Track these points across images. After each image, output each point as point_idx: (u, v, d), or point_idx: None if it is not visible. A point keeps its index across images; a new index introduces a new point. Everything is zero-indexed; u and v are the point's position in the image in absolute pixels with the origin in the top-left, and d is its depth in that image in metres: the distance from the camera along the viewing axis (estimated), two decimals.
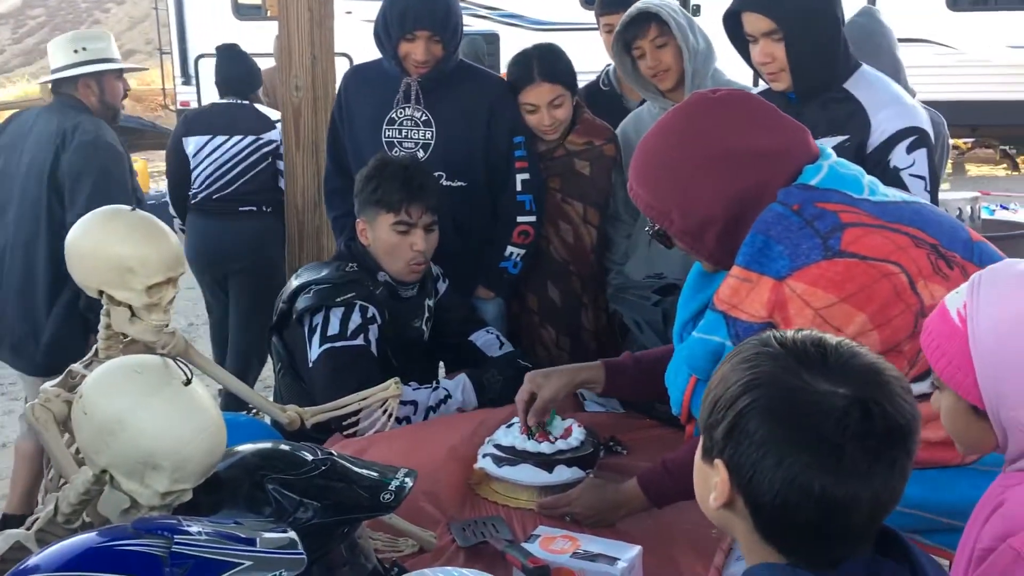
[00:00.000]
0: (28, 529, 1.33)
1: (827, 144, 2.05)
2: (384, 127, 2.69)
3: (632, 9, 2.62)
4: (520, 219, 2.72)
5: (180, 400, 1.27)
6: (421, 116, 2.68)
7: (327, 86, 3.24)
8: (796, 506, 0.88)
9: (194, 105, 9.67)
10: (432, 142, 2.68)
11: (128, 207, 1.68)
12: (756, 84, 4.54)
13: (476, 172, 2.70)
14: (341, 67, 3.24)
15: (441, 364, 2.75)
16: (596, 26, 3.22)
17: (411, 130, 2.68)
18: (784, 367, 0.91)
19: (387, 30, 2.61)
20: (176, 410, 1.26)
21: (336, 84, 3.14)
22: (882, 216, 1.48)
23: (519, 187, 2.71)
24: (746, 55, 2.23)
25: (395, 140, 2.69)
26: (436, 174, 2.60)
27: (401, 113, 2.68)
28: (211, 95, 9.55)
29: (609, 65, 3.18)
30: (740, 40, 2.22)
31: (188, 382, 1.29)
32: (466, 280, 2.75)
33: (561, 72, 2.70)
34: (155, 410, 1.25)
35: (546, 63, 2.68)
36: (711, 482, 0.95)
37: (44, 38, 27.76)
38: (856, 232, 1.44)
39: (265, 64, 7.85)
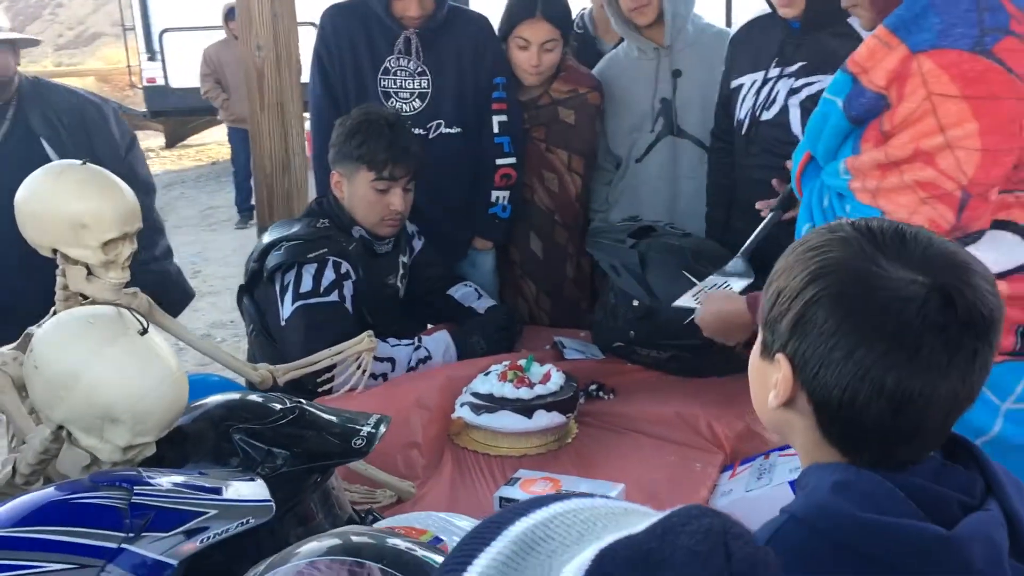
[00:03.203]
0: None
1: (823, 82, 1.98)
2: (379, 76, 2.63)
3: None
4: (499, 161, 2.68)
5: (136, 350, 1.22)
6: (416, 68, 2.62)
7: (289, 44, 3.14)
8: (866, 401, 0.81)
9: (160, 82, 9.51)
10: (429, 91, 2.63)
11: (78, 161, 1.61)
12: (729, 24, 4.48)
13: (470, 117, 2.66)
14: (308, 36, 3.15)
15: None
16: None
17: (406, 80, 2.63)
18: (857, 252, 0.84)
19: None
20: (133, 360, 1.21)
21: (298, 44, 3.06)
22: None
23: (496, 129, 2.66)
24: None
25: (391, 90, 2.63)
26: (435, 122, 2.61)
27: (395, 63, 2.62)
28: (178, 71, 9.43)
29: (584, 9, 3.12)
30: None
31: (144, 331, 1.24)
32: (467, 230, 2.75)
33: (562, 16, 2.65)
34: (110, 361, 1.19)
35: (550, 3, 2.62)
36: (771, 380, 0.89)
37: (8, 22, 27.24)
38: (1017, 44, 1.31)
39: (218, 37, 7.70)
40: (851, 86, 1.41)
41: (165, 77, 9.45)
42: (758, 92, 2.22)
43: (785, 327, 0.86)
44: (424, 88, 2.63)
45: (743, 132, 2.26)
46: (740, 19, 2.58)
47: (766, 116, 2.19)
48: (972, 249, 1.31)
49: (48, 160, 2.47)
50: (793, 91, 2.14)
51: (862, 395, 0.81)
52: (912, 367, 0.80)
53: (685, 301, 1.93)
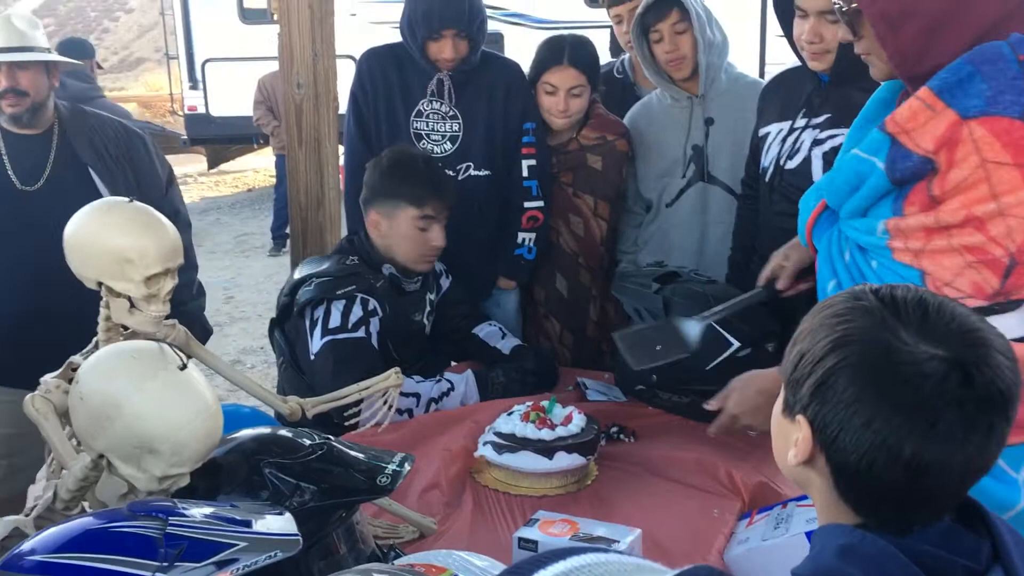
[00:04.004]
0: (27, 515, 1.34)
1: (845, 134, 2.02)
2: (412, 119, 2.72)
3: None
4: (527, 204, 2.74)
5: (176, 384, 1.28)
6: (448, 111, 2.70)
7: (328, 83, 3.24)
8: (883, 468, 0.85)
9: (201, 110, 9.73)
10: (460, 134, 2.71)
11: (125, 198, 1.68)
12: (762, 75, 4.55)
13: (499, 160, 2.74)
14: (346, 70, 3.25)
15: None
16: (599, 24, 3.24)
17: (437, 123, 2.72)
18: (880, 323, 0.87)
19: (412, 30, 2.63)
20: (172, 394, 1.27)
21: (337, 82, 3.16)
22: None
23: (525, 172, 2.73)
24: (787, 27, 2.19)
25: (423, 132, 2.72)
26: (464, 164, 2.69)
27: (427, 106, 2.71)
28: (218, 99, 9.66)
29: (623, 55, 3.20)
30: (784, 12, 2.18)
31: (184, 367, 1.29)
32: (491, 269, 2.81)
33: (588, 63, 2.72)
34: (151, 394, 1.25)
35: (577, 50, 2.71)
36: (791, 438, 0.92)
37: (54, 47, 27.98)
38: None
39: (272, 67, 7.88)
40: (890, 147, 1.42)
41: (206, 105, 9.66)
42: (783, 141, 2.26)
43: (806, 390, 0.90)
44: (455, 131, 2.70)
45: (767, 179, 2.30)
46: (773, 71, 2.64)
47: (790, 165, 2.23)
48: (1009, 315, 1.33)
49: (97, 191, 2.55)
50: (817, 142, 2.19)
51: (879, 462, 0.85)
52: (929, 439, 0.83)
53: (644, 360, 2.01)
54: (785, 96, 2.32)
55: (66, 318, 2.42)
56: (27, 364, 2.42)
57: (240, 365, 5.41)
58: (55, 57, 2.64)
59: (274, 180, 8.70)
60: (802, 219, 1.65)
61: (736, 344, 2.07)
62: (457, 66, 2.66)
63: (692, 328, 2.00)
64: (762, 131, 2.36)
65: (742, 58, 2.90)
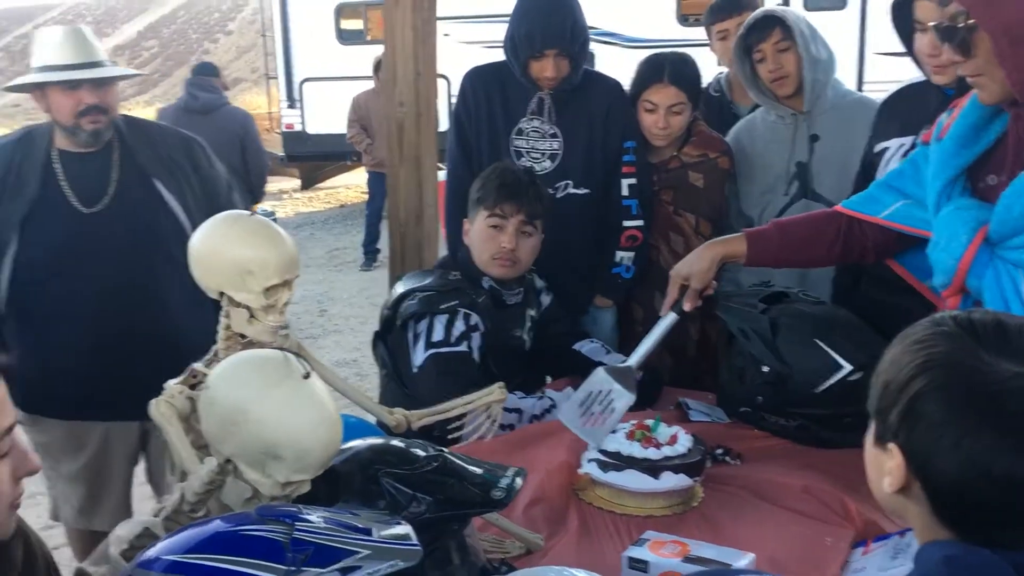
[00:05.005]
0: (156, 516, 1.39)
1: None
2: (513, 137, 2.75)
3: (757, 12, 2.64)
4: (627, 223, 2.74)
5: (300, 393, 1.31)
6: (549, 129, 2.72)
7: (430, 101, 3.31)
8: (977, 488, 0.87)
9: (298, 128, 10.03)
10: (560, 152, 2.74)
11: (247, 212, 1.74)
12: (860, 87, 4.45)
13: (599, 178, 2.75)
14: (439, 88, 3.31)
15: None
16: (691, 43, 3.24)
17: (537, 141, 2.75)
18: (961, 347, 0.89)
19: (515, 50, 2.67)
20: (297, 402, 1.30)
21: (437, 101, 3.22)
22: None
23: (625, 191, 2.73)
24: (908, 43, 2.15)
25: (523, 150, 2.76)
26: (564, 182, 2.71)
27: (528, 124, 2.74)
28: (315, 118, 9.93)
29: (721, 73, 3.17)
30: (903, 27, 2.14)
31: (307, 376, 1.33)
32: (588, 287, 2.83)
33: (688, 81, 2.72)
34: (277, 401, 1.29)
35: (677, 68, 2.71)
36: (885, 467, 0.94)
37: (158, 68, 29.19)
38: None
39: (366, 87, 8.09)
40: None
41: (303, 124, 9.95)
42: (905, 155, 2.19)
43: (895, 418, 0.92)
44: (555, 149, 2.72)
45: None
46: (870, 89, 2.59)
47: None
48: None
49: (165, 204, 2.45)
50: None
51: (972, 482, 0.87)
52: (1018, 454, 0.85)
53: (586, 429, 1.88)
54: (907, 111, 2.25)
55: (146, 341, 2.40)
56: (112, 395, 2.39)
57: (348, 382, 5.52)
58: (131, 72, 2.61)
59: (366, 196, 8.89)
60: (949, 257, 1.56)
61: (848, 367, 2.01)
62: (559, 85, 2.68)
63: (623, 374, 1.91)
64: (879, 146, 2.30)
65: (840, 77, 2.85)
